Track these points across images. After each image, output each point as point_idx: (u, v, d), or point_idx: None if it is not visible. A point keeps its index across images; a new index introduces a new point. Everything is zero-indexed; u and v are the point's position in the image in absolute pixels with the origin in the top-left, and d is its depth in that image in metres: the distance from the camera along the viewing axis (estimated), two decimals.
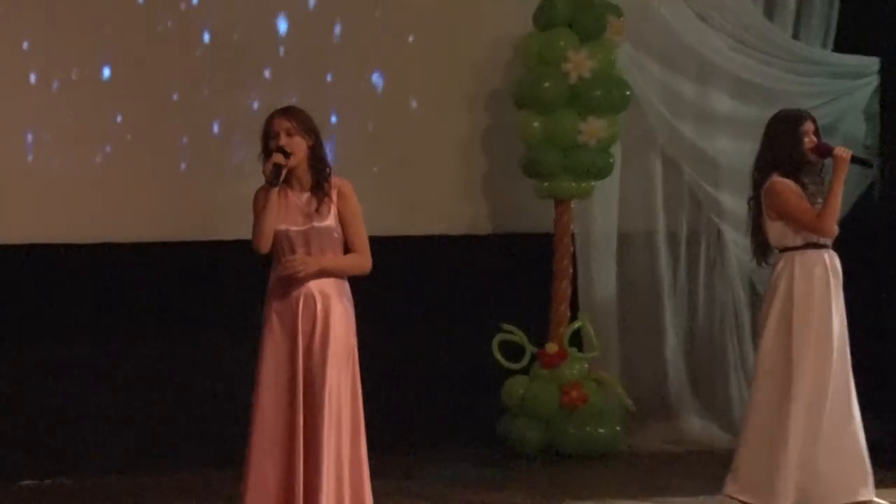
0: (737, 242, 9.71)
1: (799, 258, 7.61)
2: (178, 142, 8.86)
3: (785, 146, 7.62)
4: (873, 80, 9.87)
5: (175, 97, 8.89)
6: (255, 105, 8.83)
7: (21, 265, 8.30)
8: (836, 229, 7.59)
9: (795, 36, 9.98)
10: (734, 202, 9.69)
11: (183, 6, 8.92)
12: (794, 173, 7.58)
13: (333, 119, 9.14)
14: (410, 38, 9.41)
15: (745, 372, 9.77)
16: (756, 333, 9.77)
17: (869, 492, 7.59)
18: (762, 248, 7.76)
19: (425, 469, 8.74)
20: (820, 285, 7.59)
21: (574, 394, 9.11)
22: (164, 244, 8.54)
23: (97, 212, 8.56)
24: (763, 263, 7.81)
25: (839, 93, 9.84)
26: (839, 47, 10.04)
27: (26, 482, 8.30)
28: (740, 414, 9.50)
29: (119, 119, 8.73)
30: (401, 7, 9.31)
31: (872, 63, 9.86)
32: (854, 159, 7.61)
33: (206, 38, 8.96)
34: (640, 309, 9.77)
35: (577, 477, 8.69)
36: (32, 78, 8.56)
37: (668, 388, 9.69)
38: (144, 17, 8.76)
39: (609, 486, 8.35)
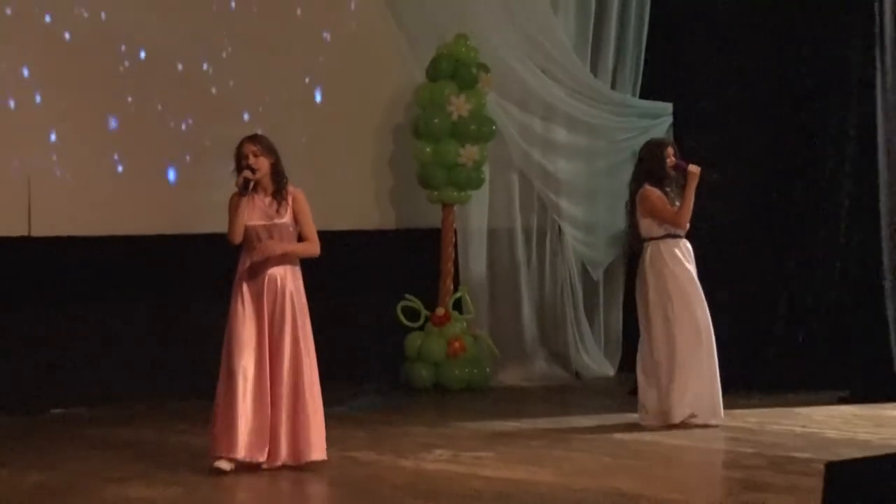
0: (573, 235, 9.96)
1: (662, 245, 7.66)
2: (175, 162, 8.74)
3: (653, 164, 7.72)
4: (668, 119, 10.02)
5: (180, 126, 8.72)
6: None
7: (67, 251, 8.24)
8: (688, 225, 7.67)
9: (613, 86, 10.18)
10: (569, 206, 9.98)
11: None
12: (659, 183, 7.67)
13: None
14: (341, 85, 9.35)
15: (579, 328, 9.98)
16: (585, 302, 10.09)
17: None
18: (636, 238, 7.79)
19: (349, 400, 8.70)
20: (680, 263, 7.65)
21: (456, 344, 9.26)
22: (162, 236, 8.52)
23: (126, 213, 8.48)
24: (637, 248, 7.82)
25: (644, 128, 10.04)
26: (644, 95, 10.26)
27: (56, 410, 8.24)
28: (575, 357, 9.87)
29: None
30: (336, 62, 9.29)
31: (667, 107, 10.00)
32: (702, 173, 7.71)
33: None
34: (503, 283, 9.80)
35: (459, 405, 8.73)
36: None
37: (524, 340, 9.79)
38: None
39: (482, 412, 8.36)
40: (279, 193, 6.41)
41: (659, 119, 10.07)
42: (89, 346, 8.36)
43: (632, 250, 7.93)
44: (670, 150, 7.75)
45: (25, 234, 8.04)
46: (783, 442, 7.35)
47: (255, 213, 6.39)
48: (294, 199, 6.45)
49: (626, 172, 9.68)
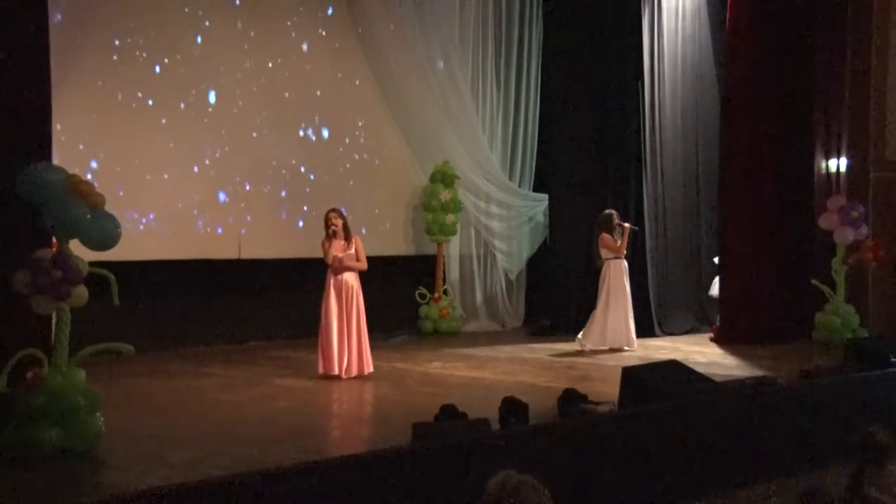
0: (500, 258, 9.60)
1: (612, 262, 7.60)
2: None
3: (606, 223, 7.62)
4: (545, 202, 9.52)
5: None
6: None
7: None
8: (625, 251, 7.55)
9: (519, 184, 9.54)
10: (499, 243, 9.58)
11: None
12: (609, 232, 7.61)
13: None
14: (388, 186, 8.89)
15: (504, 302, 9.48)
16: (507, 289, 9.60)
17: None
18: (599, 259, 7.62)
19: (392, 336, 8.38)
20: (619, 275, 7.59)
21: (444, 312, 8.97)
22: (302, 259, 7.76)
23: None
24: (600, 265, 7.63)
25: (534, 205, 9.69)
26: (535, 189, 9.64)
27: (250, 342, 7.84)
28: (503, 316, 9.50)
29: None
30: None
31: (545, 196, 9.53)
32: (631, 229, 7.59)
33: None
34: (467, 283, 9.37)
35: (446, 341, 8.44)
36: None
37: (477, 309, 9.39)
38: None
39: (458, 344, 8.15)
40: (348, 238, 6.31)
41: (542, 202, 9.60)
42: (270, 311, 8.01)
43: (596, 266, 7.67)
44: (616, 216, 7.67)
45: (237, 256, 7.69)
46: (603, 357, 7.31)
47: (336, 248, 6.28)
48: (356, 242, 6.35)
49: (526, 227, 9.69)
